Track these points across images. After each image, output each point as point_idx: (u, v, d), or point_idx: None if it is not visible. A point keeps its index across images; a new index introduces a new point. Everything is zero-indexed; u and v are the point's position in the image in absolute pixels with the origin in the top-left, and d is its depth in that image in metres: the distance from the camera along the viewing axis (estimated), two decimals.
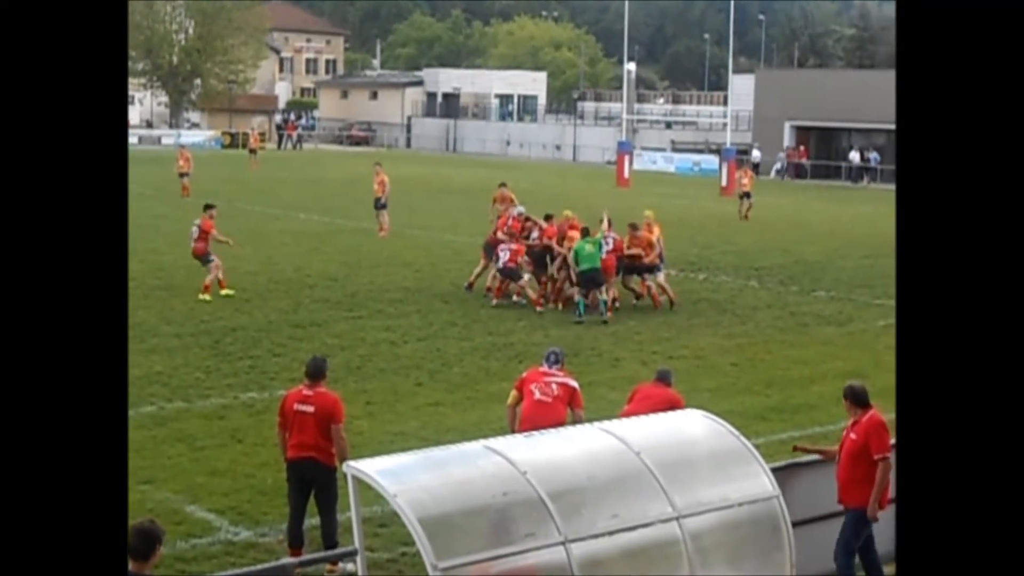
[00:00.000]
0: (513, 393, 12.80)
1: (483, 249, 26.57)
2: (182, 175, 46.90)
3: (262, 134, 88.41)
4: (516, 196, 30.22)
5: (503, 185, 29.26)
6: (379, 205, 36.80)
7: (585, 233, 24.41)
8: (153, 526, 7.49)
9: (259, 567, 10.00)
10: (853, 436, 10.75)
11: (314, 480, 11.23)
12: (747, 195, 45.87)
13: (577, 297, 23.72)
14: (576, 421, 11.92)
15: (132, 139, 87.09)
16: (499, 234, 26.08)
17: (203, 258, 25.03)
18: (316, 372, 11.46)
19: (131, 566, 7.35)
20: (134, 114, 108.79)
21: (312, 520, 11.49)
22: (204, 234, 24.99)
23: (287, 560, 9.48)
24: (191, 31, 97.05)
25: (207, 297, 24.50)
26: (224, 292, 24.86)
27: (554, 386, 12.50)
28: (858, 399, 10.89)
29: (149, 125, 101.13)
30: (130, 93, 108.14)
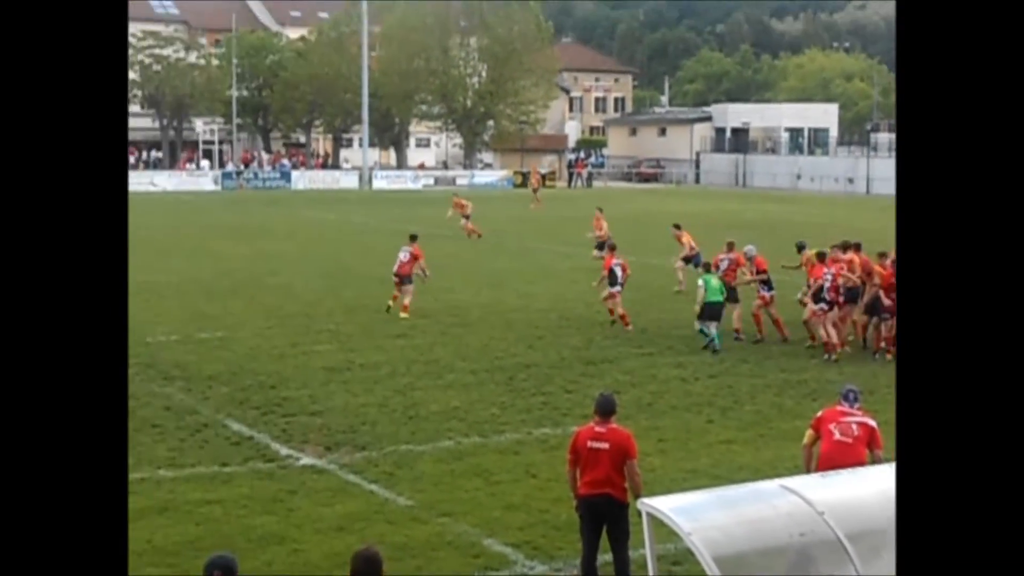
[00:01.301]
0: (809, 432, 12.56)
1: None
2: (465, 217, 48.35)
3: (552, 173, 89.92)
4: (807, 229, 29.72)
5: (678, 227, 29.95)
6: (602, 247, 36.80)
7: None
8: (376, 552, 7.73)
9: None
10: None
11: (607, 516, 11.28)
12: None
13: (698, 326, 24.38)
14: (875, 461, 11.61)
15: (428, 180, 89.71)
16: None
17: (406, 278, 27.32)
18: (607, 408, 11.51)
19: None
20: (430, 156, 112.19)
21: (604, 556, 11.56)
22: (414, 259, 27.55)
23: None
24: (484, 74, 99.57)
25: (407, 316, 26.75)
26: (403, 315, 26.90)
27: (854, 426, 12.21)
28: None
29: (445, 166, 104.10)
30: (426, 136, 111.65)
